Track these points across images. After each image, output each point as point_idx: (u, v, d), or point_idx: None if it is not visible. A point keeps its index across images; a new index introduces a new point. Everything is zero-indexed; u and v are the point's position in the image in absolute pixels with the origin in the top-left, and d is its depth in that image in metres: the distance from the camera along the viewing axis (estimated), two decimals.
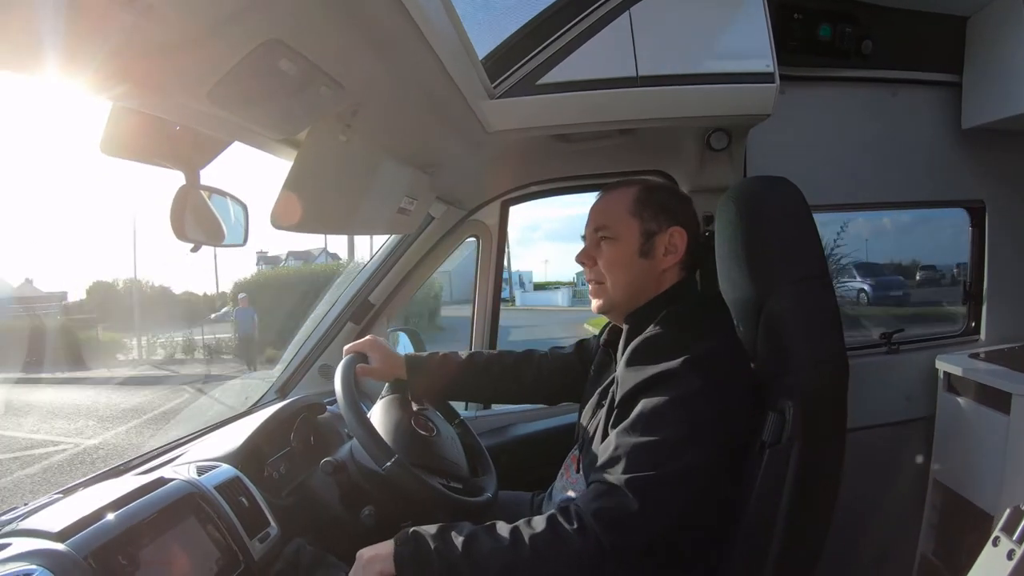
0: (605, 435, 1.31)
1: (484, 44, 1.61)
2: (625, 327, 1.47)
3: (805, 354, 1.30)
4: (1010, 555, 0.88)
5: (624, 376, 1.30)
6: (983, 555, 0.94)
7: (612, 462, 1.19)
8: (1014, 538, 0.89)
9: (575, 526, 1.14)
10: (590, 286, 1.52)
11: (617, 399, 1.30)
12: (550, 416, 2.30)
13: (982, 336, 2.50)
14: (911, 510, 2.41)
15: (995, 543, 0.92)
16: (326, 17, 0.88)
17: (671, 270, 1.44)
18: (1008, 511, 0.92)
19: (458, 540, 1.17)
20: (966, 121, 2.33)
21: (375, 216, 1.60)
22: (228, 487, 1.30)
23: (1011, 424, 1.96)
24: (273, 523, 1.33)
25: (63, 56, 0.76)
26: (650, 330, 1.35)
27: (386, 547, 1.19)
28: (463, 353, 1.79)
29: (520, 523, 1.18)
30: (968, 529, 2.17)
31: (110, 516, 1.07)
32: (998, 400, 2.02)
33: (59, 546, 0.99)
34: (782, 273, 1.35)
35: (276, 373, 2.15)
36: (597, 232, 1.48)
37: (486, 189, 2.26)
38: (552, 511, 1.19)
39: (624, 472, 1.16)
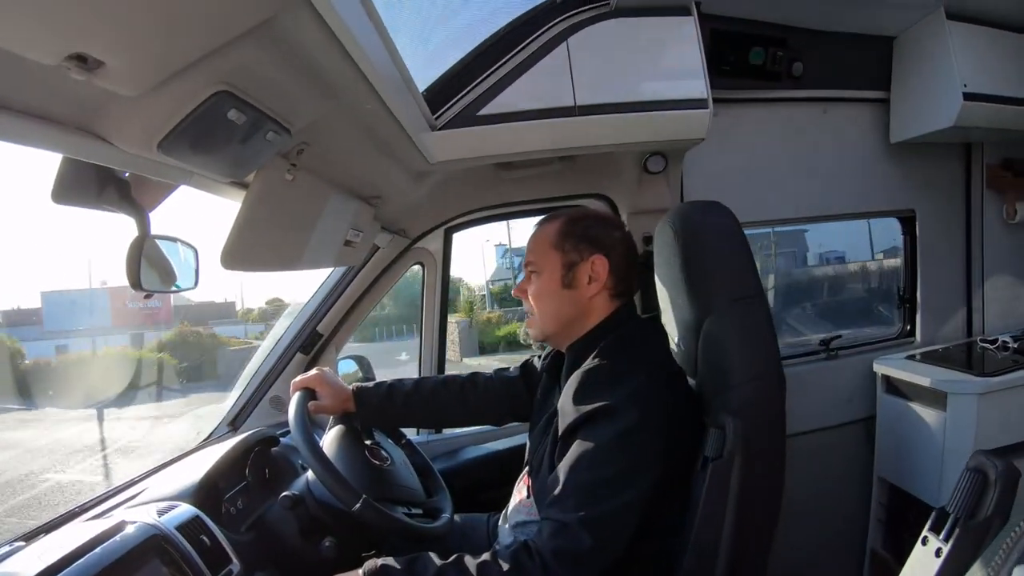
0: (552, 465, 1.38)
1: (425, 77, 1.68)
2: (567, 356, 1.55)
3: (742, 370, 1.39)
4: (938, 553, 0.98)
5: (565, 410, 1.37)
6: (914, 553, 1.04)
7: (563, 499, 1.27)
8: (940, 537, 0.99)
9: (537, 564, 1.21)
10: (527, 318, 1.60)
11: (560, 432, 1.38)
12: (501, 437, 2.37)
13: (917, 338, 2.65)
14: (858, 507, 2.54)
15: (924, 542, 1.02)
16: (272, 66, 0.92)
17: (598, 297, 1.50)
18: (934, 512, 1.02)
19: None
20: (894, 135, 2.48)
21: (323, 251, 1.63)
22: (189, 527, 1.31)
23: (948, 420, 2.10)
24: (235, 559, 1.35)
25: (15, 111, 0.81)
26: (588, 363, 1.42)
27: None
28: (410, 380, 1.83)
29: (487, 559, 1.24)
30: (913, 522, 2.31)
31: (76, 564, 1.09)
32: (934, 399, 2.16)
33: None
34: (718, 293, 1.44)
35: (227, 406, 2.16)
36: (527, 267, 1.56)
37: (430, 217, 2.33)
38: (515, 547, 1.26)
39: (575, 510, 1.24)
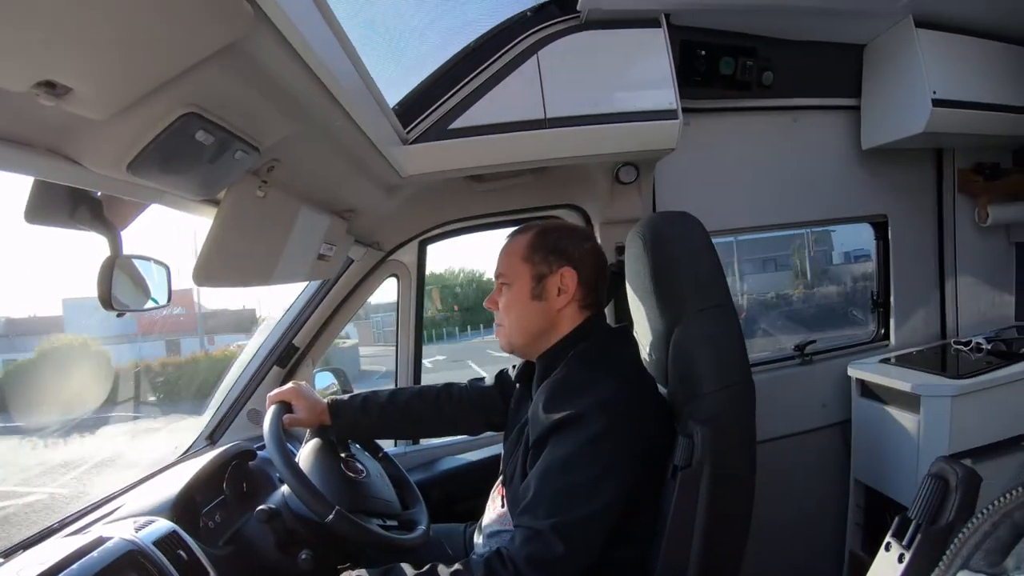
0: (524, 474, 1.42)
1: (397, 92, 1.72)
2: (537, 367, 1.58)
3: (711, 379, 1.42)
4: (900, 558, 1.01)
5: (536, 419, 1.41)
6: (877, 559, 1.07)
7: (535, 506, 1.31)
8: (903, 543, 1.02)
9: (509, 571, 1.24)
10: (496, 328, 1.63)
11: (531, 441, 1.41)
12: (476, 448, 2.40)
13: (892, 341, 2.71)
14: (836, 510, 2.60)
15: (887, 548, 1.05)
16: (239, 87, 0.95)
17: (567, 309, 1.54)
18: (896, 519, 1.05)
19: None
20: (865, 142, 2.54)
21: (296, 265, 1.65)
22: (166, 541, 1.31)
23: (922, 423, 2.14)
24: (213, 574, 1.36)
25: None
26: (558, 372, 1.47)
27: None
28: (385, 392, 1.86)
29: (459, 568, 1.27)
30: (891, 524, 2.35)
31: None
32: (909, 402, 2.21)
33: None
34: (688, 303, 1.48)
35: (204, 420, 2.17)
36: (498, 279, 1.60)
37: (403, 230, 2.35)
38: (488, 555, 1.29)
39: (547, 517, 1.27)
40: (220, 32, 0.79)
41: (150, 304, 1.33)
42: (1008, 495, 0.63)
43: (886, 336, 2.74)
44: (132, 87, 0.80)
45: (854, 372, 2.48)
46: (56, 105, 0.73)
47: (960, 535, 0.65)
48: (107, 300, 1.15)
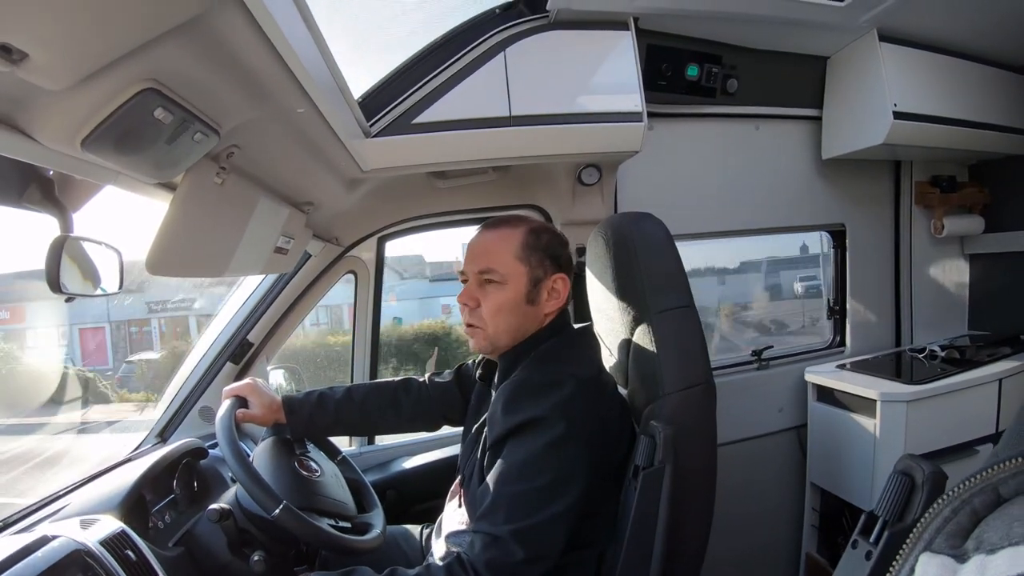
0: (483, 475, 1.41)
1: (362, 83, 1.71)
2: (500, 365, 1.56)
3: (672, 380, 1.43)
4: (868, 556, 1.03)
5: (494, 420, 1.40)
6: (844, 557, 1.09)
7: (493, 511, 1.30)
8: (870, 540, 1.04)
9: None
10: (468, 328, 1.56)
11: (489, 442, 1.40)
12: (434, 448, 2.39)
13: (847, 348, 2.79)
14: (792, 513, 2.67)
15: (854, 546, 1.07)
16: (201, 65, 0.94)
17: (551, 313, 1.53)
18: (863, 517, 1.07)
19: None
20: (826, 152, 2.61)
21: (253, 257, 1.62)
22: (114, 541, 1.27)
23: (878, 427, 2.21)
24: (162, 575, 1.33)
25: None
26: (519, 373, 1.46)
27: None
28: (341, 388, 1.82)
29: (420, 572, 1.27)
30: (846, 526, 2.44)
31: None
32: (865, 406, 2.28)
33: None
34: (649, 304, 1.49)
35: (156, 416, 2.12)
36: (482, 274, 1.51)
37: (362, 225, 2.33)
38: (449, 561, 1.28)
39: (506, 522, 1.27)
40: (185, 4, 0.79)
41: (99, 291, 1.29)
42: (967, 482, 0.65)
43: (842, 343, 2.82)
44: (92, 56, 0.79)
45: (811, 377, 2.54)
46: (11, 72, 0.71)
47: (922, 520, 0.67)
48: (55, 283, 1.11)
